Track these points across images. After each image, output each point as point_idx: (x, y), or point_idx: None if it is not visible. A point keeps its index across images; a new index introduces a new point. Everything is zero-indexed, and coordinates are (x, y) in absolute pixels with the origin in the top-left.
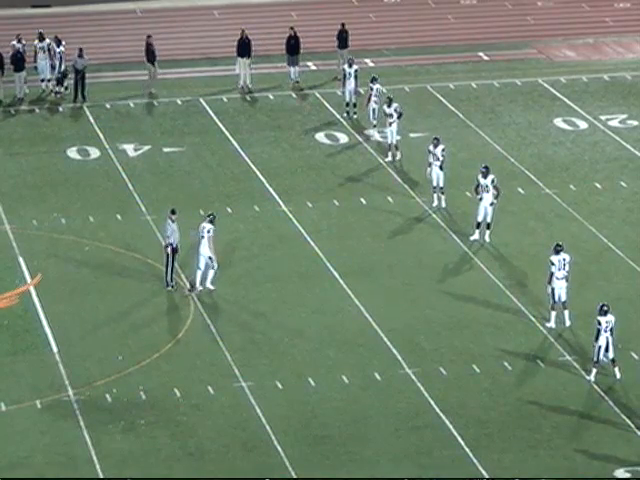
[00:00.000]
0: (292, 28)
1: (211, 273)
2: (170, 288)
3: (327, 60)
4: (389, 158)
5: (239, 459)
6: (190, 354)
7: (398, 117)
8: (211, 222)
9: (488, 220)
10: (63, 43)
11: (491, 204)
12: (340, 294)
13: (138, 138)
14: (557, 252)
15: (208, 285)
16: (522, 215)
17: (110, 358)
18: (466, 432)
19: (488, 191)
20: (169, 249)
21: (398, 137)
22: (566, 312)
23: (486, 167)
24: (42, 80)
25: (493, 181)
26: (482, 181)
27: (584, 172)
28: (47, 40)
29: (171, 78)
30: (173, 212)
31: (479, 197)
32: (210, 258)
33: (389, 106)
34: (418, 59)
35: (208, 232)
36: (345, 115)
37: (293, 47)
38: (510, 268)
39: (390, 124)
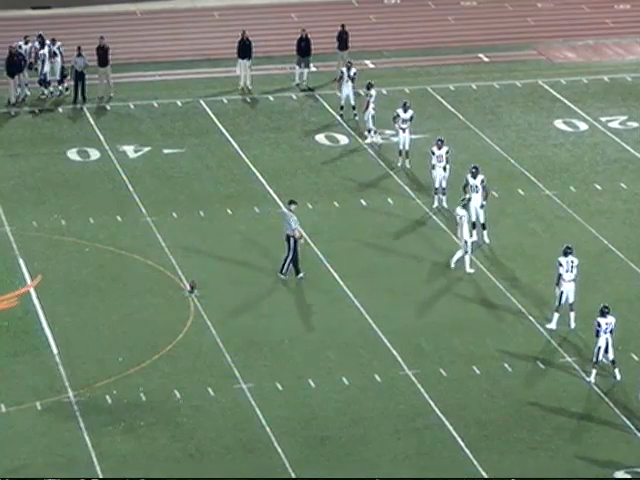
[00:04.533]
0: (304, 30)
1: (466, 257)
2: (284, 276)
3: (327, 61)
4: (400, 163)
5: (239, 460)
6: (190, 355)
7: (410, 120)
8: (464, 207)
9: (481, 220)
10: (53, 44)
11: (481, 206)
12: (340, 295)
13: (138, 139)
14: (565, 254)
15: (467, 269)
16: (522, 216)
17: (110, 359)
18: (466, 433)
19: (477, 191)
20: (291, 240)
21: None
22: (572, 314)
23: (476, 167)
24: (58, 82)
25: (483, 181)
26: (471, 181)
27: (584, 173)
28: (48, 42)
29: (171, 79)
30: (292, 202)
31: (468, 197)
32: (465, 242)
33: (405, 111)
34: (418, 60)
35: (461, 218)
36: (339, 118)
37: (304, 49)
38: (510, 269)
39: (404, 130)
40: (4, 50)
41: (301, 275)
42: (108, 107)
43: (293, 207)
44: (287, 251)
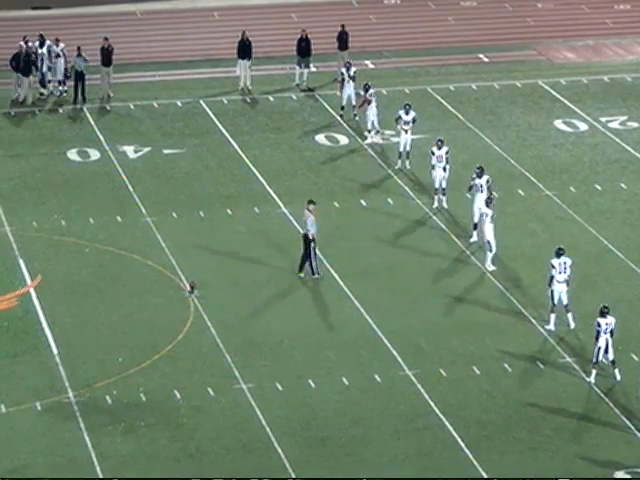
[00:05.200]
0: (304, 30)
1: (489, 255)
2: (317, 275)
3: (327, 62)
4: (398, 165)
5: (239, 461)
6: (190, 356)
7: (412, 122)
8: (487, 206)
9: None
10: (57, 45)
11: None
12: (340, 296)
13: (138, 140)
14: (558, 255)
15: (487, 265)
16: (522, 217)
17: (110, 359)
18: (466, 434)
19: (482, 191)
20: (308, 239)
21: (409, 147)
22: (569, 315)
23: (481, 167)
24: (49, 82)
25: (488, 181)
26: (477, 181)
27: (584, 174)
28: (48, 42)
29: (171, 80)
30: (311, 202)
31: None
32: (488, 242)
33: (407, 113)
34: (418, 61)
35: (485, 216)
36: (340, 118)
37: (304, 49)
38: (510, 270)
39: (406, 132)
40: (4, 51)
41: (302, 275)
42: (108, 107)
43: (311, 207)
44: (306, 250)
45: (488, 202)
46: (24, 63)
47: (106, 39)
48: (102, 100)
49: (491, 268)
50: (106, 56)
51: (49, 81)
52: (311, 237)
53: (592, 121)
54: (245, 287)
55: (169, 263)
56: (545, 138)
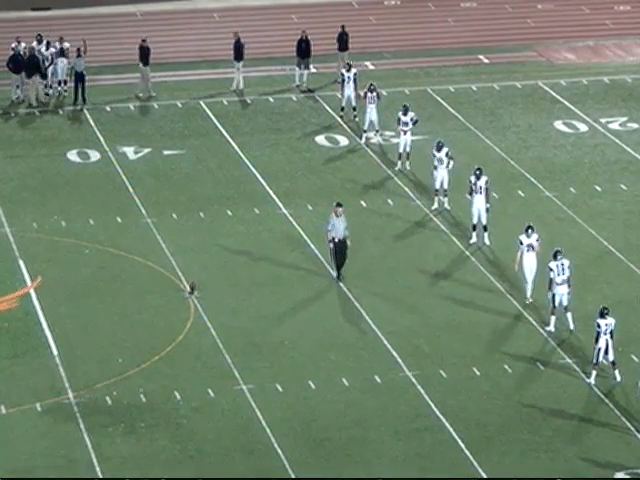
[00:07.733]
0: (304, 31)
1: (528, 287)
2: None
3: (327, 63)
4: (398, 167)
5: (239, 462)
6: (190, 357)
7: (413, 124)
8: (527, 235)
9: (483, 222)
10: (60, 44)
11: (487, 210)
12: (340, 297)
13: (138, 141)
14: (555, 258)
15: (528, 299)
16: (522, 218)
17: (110, 360)
18: (466, 435)
19: (481, 192)
20: (331, 243)
21: (408, 148)
22: (569, 315)
23: (479, 168)
24: (59, 83)
25: (487, 182)
26: (475, 182)
27: (584, 175)
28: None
29: (171, 81)
30: (339, 205)
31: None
32: (523, 271)
33: (405, 114)
34: (418, 62)
35: (520, 243)
36: (340, 119)
37: (304, 50)
38: (510, 271)
39: (405, 132)
40: (4, 51)
41: (335, 275)
42: (108, 108)
43: (338, 209)
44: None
45: (527, 229)
46: (28, 65)
47: (144, 41)
48: (140, 99)
49: (529, 301)
50: (145, 55)
51: (64, 82)
52: (329, 238)
53: (592, 122)
54: (245, 288)
55: (169, 264)
56: (545, 139)
